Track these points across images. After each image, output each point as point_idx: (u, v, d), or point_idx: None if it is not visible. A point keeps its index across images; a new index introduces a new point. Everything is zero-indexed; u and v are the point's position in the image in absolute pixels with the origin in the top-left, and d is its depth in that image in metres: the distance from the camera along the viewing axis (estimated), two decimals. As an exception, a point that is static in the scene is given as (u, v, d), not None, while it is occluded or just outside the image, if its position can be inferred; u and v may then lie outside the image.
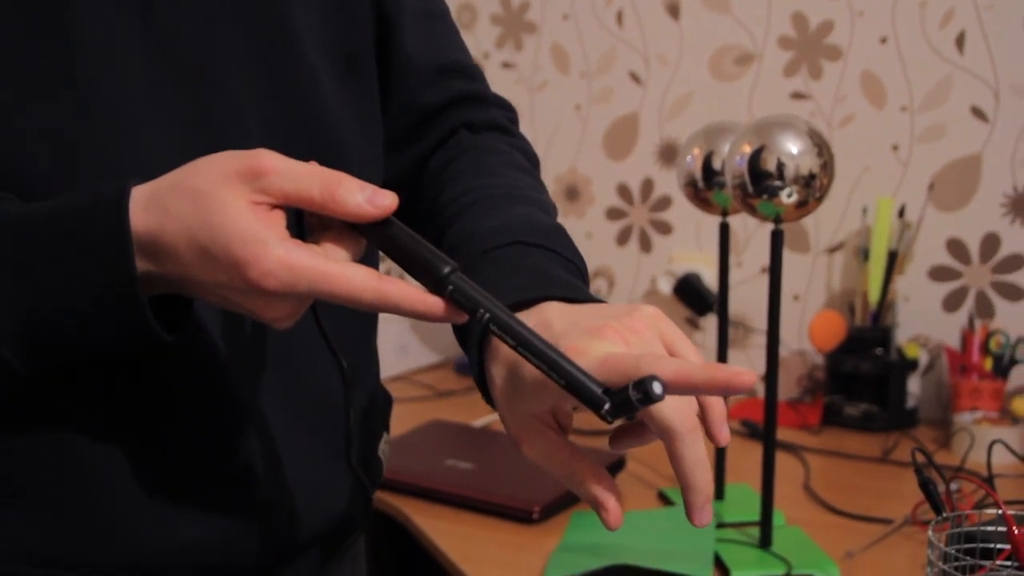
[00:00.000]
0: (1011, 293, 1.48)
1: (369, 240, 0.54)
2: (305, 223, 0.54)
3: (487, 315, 0.52)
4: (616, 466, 1.25)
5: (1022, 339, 1.43)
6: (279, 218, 0.51)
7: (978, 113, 1.48)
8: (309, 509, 0.69)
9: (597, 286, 1.83)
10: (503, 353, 0.55)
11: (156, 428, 0.62)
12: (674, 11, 1.70)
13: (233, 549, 0.65)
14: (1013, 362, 1.41)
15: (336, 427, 0.71)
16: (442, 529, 1.10)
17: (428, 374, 1.82)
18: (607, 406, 0.50)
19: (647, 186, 1.76)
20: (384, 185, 0.56)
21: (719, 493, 1.18)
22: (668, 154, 1.74)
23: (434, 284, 0.53)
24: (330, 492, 0.72)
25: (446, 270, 0.52)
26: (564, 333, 0.54)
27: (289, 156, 0.54)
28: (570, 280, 0.61)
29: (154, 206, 0.51)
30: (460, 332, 0.62)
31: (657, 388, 0.49)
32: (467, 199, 0.71)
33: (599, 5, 1.77)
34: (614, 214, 1.80)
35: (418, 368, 1.86)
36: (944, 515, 0.75)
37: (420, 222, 0.74)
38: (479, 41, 1.86)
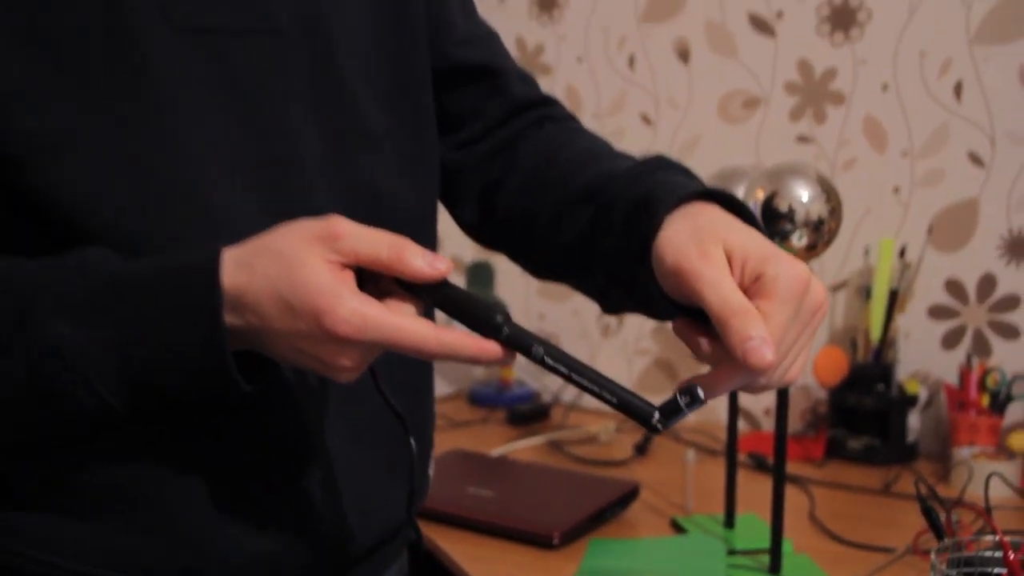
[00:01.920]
0: (1007, 332, 1.54)
1: (425, 298, 0.60)
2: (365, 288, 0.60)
3: (541, 349, 0.58)
4: (630, 496, 1.30)
5: (1018, 377, 1.48)
6: (351, 276, 0.58)
7: (975, 159, 1.55)
8: (365, 526, 0.75)
9: (606, 322, 1.89)
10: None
11: (237, 459, 0.68)
12: (684, 56, 1.78)
13: (297, 563, 0.71)
14: (1009, 399, 1.47)
15: (395, 457, 0.77)
16: (467, 553, 1.15)
17: (443, 404, 1.87)
18: (656, 416, 0.57)
19: (656, 224, 1.82)
20: (469, 170, 0.62)
21: (730, 522, 1.23)
22: (677, 194, 1.80)
23: (489, 331, 0.59)
24: (387, 512, 0.78)
25: (499, 318, 0.59)
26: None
27: (354, 208, 0.60)
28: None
29: (242, 265, 0.57)
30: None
31: (701, 393, 0.56)
32: (596, 150, 0.80)
33: (612, 49, 1.85)
34: (624, 251, 1.86)
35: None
36: (946, 541, 0.80)
37: (534, 181, 0.81)
38: (494, 82, 1.93)
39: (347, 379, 0.60)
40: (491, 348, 0.58)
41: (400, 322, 0.57)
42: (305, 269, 0.56)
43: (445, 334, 0.57)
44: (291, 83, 0.69)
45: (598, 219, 0.73)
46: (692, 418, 1.68)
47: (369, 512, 0.75)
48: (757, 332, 0.56)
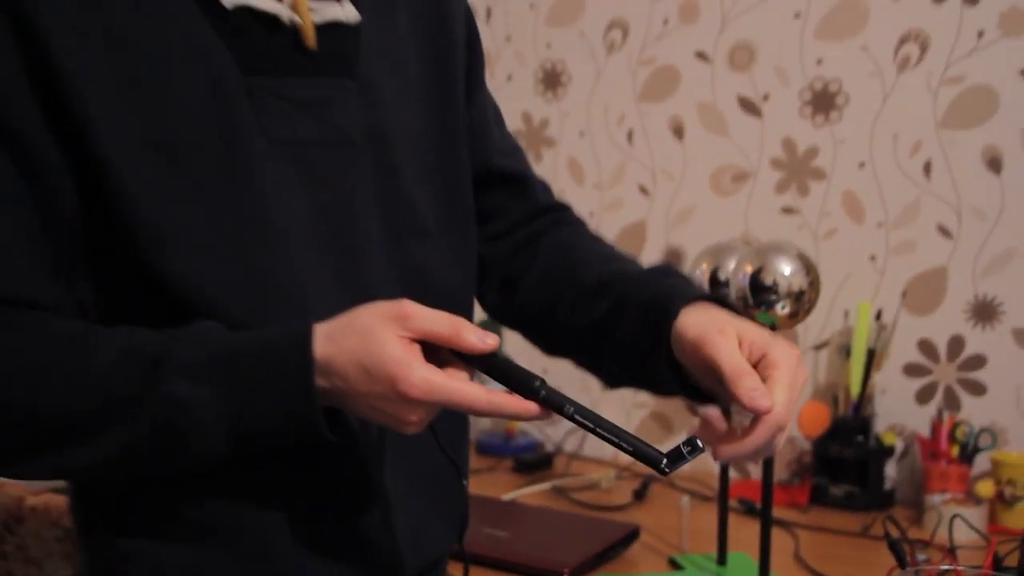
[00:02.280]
0: (975, 389, 1.69)
1: (477, 366, 0.74)
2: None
3: (572, 408, 0.72)
4: (631, 536, 1.43)
5: (984, 430, 1.63)
6: (418, 349, 0.72)
7: (943, 231, 1.70)
8: (414, 554, 0.88)
9: (606, 375, 2.03)
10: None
11: (313, 497, 0.81)
12: (679, 133, 1.94)
13: None
14: (976, 450, 1.61)
15: (447, 491, 0.91)
16: (486, 587, 1.27)
17: (453, 453, 1.99)
18: (664, 462, 0.71)
19: (653, 286, 1.97)
20: (493, 261, 0.82)
21: (722, 560, 1.36)
22: (673, 259, 1.95)
23: (529, 392, 0.73)
24: (433, 543, 0.91)
25: (537, 383, 0.73)
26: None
27: (411, 289, 0.74)
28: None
29: (330, 339, 0.71)
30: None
31: (700, 444, 0.71)
32: (605, 254, 0.98)
33: (612, 124, 2.01)
34: (623, 310, 2.00)
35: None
36: (908, 570, 0.94)
37: (552, 275, 0.96)
38: (503, 153, 2.09)
39: (412, 432, 0.74)
40: (531, 407, 0.72)
41: (459, 386, 0.71)
42: (382, 343, 0.70)
43: (494, 396, 0.72)
44: (360, 184, 0.84)
45: (615, 310, 0.89)
46: (687, 468, 1.81)
47: (418, 542, 0.88)
48: (759, 386, 0.73)
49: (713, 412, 0.82)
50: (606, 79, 2.00)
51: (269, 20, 0.79)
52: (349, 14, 0.83)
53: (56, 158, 0.73)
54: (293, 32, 0.80)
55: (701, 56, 1.90)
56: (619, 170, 2.00)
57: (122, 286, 0.76)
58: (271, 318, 0.76)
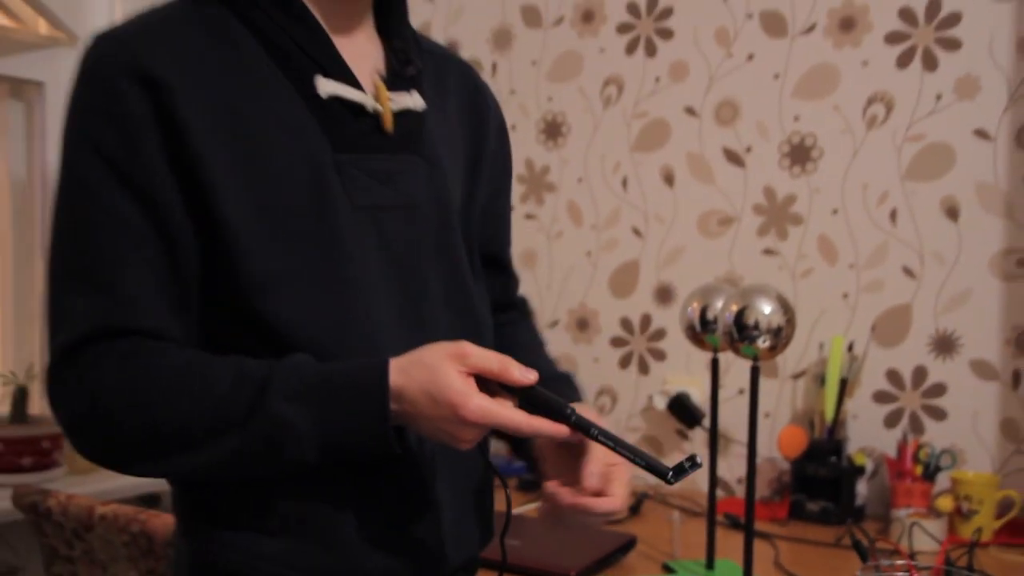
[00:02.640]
0: (936, 414, 1.87)
1: (519, 395, 0.91)
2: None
3: (596, 431, 0.90)
4: (629, 545, 1.60)
5: (945, 451, 1.81)
6: (473, 381, 0.89)
7: (908, 272, 1.89)
8: (455, 552, 1.04)
9: (602, 403, 2.20)
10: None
11: (379, 499, 0.98)
12: (669, 180, 2.12)
13: (412, 572, 1.00)
14: (938, 469, 1.79)
15: (481, 501, 1.08)
16: (504, 586, 1.44)
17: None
18: (670, 474, 0.88)
19: (645, 320, 2.15)
20: None
21: (710, 565, 1.53)
22: (664, 295, 2.13)
23: (562, 418, 0.90)
24: (470, 544, 1.07)
25: (568, 410, 0.90)
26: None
27: (461, 329, 0.92)
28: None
29: (402, 371, 0.88)
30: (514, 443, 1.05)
31: (699, 459, 0.88)
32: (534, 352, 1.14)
33: (608, 171, 2.19)
34: (618, 342, 2.18)
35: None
36: (868, 563, 1.11)
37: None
38: (507, 197, 2.27)
39: (466, 448, 0.90)
40: (563, 429, 0.90)
41: (506, 412, 0.88)
42: (445, 375, 0.87)
43: (534, 420, 0.89)
44: (423, 242, 1.01)
45: None
46: (678, 487, 1.99)
47: (458, 541, 1.05)
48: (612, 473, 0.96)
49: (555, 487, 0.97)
50: (603, 130, 2.19)
51: (356, 108, 0.97)
52: (417, 103, 1.01)
53: (184, 217, 0.90)
54: (374, 117, 0.97)
55: (690, 111, 2.09)
56: (614, 213, 2.19)
57: (225, 322, 0.93)
58: (351, 352, 0.93)
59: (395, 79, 1.01)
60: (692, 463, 0.89)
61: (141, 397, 0.88)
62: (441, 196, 1.03)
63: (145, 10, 0.95)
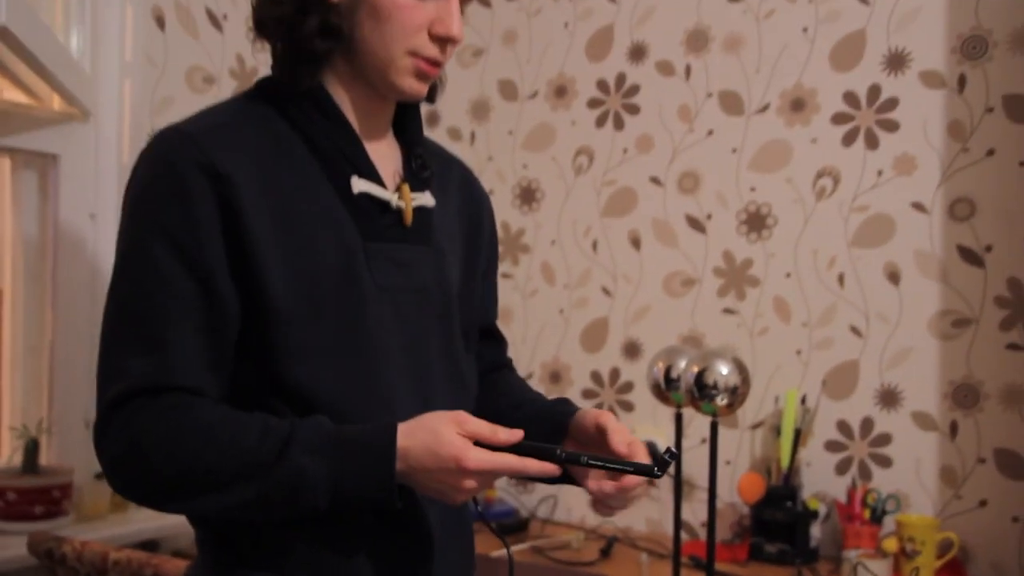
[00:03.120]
0: (883, 462, 2.03)
1: (508, 450, 1.06)
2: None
3: (586, 458, 1.04)
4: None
5: (891, 496, 1.97)
6: (470, 440, 1.03)
7: (855, 331, 2.06)
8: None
9: (574, 450, 2.34)
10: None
11: (383, 546, 1.10)
12: (636, 244, 2.29)
13: None
14: (884, 513, 1.95)
15: (470, 544, 1.22)
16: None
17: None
18: (655, 469, 1.02)
19: (615, 374, 2.30)
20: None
21: (676, 603, 1.67)
22: (631, 350, 2.29)
23: (552, 458, 1.04)
24: (467, 567, 1.21)
25: (557, 450, 1.04)
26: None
27: (454, 396, 1.07)
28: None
29: (408, 434, 1.02)
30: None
31: (674, 450, 1.02)
32: (528, 402, 1.28)
33: (579, 235, 2.35)
34: (588, 394, 2.33)
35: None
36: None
37: (496, 402, 1.28)
38: (485, 257, 2.42)
39: (462, 500, 1.04)
40: (551, 467, 1.04)
41: (502, 458, 1.02)
42: (446, 435, 1.01)
43: (526, 462, 1.03)
44: (430, 320, 1.16)
45: (535, 419, 1.22)
46: (645, 529, 2.13)
47: (458, 567, 1.19)
48: (634, 440, 1.08)
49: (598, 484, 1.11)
50: (574, 196, 2.36)
51: (382, 204, 1.12)
52: (429, 201, 1.17)
53: (231, 291, 1.04)
54: (397, 212, 1.13)
55: (655, 181, 2.27)
56: (585, 274, 2.34)
57: (256, 383, 1.07)
58: (367, 415, 1.07)
59: (413, 180, 1.16)
60: (670, 454, 1.03)
61: (178, 444, 1.01)
62: (444, 282, 1.18)
63: (207, 109, 1.11)
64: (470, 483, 1.02)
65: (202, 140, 1.05)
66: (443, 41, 1.12)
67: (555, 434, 1.19)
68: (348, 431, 1.04)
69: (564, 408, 1.23)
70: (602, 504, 1.12)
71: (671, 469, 1.84)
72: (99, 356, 1.06)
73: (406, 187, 1.15)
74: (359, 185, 1.11)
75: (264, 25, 1.13)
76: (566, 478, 1.19)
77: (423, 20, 1.10)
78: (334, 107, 1.12)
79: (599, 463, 1.05)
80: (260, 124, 1.10)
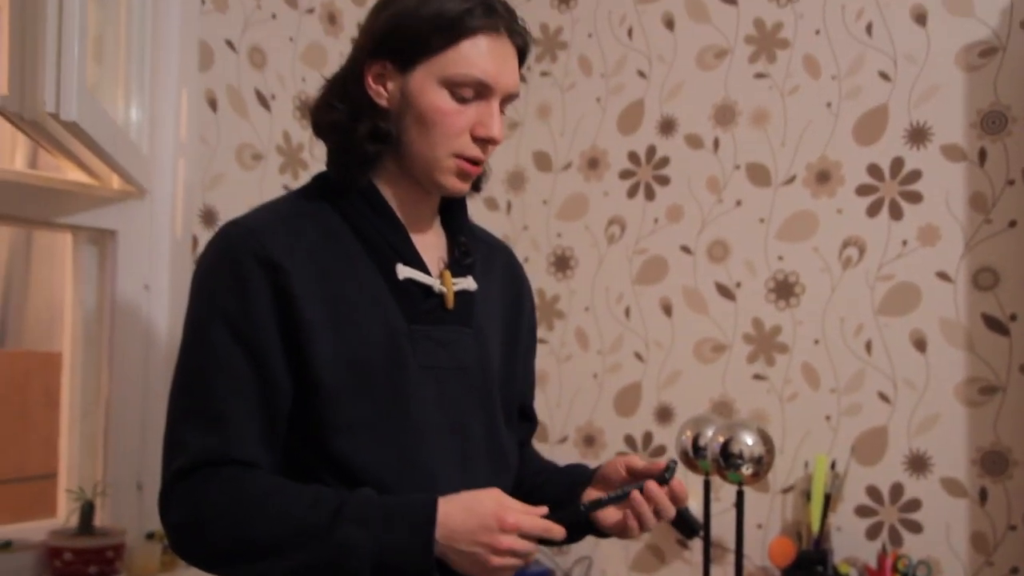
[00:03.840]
0: (913, 527, 2.06)
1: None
2: None
3: (605, 501, 1.11)
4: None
5: (921, 562, 1.99)
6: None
7: (883, 397, 2.10)
8: None
9: (608, 512, 2.39)
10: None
11: None
12: (668, 310, 2.35)
13: None
14: (914, 579, 1.97)
15: None
16: None
17: None
18: (666, 476, 1.10)
19: (647, 437, 2.36)
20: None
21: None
22: (664, 415, 2.34)
23: (578, 514, 1.12)
24: None
25: (581, 507, 1.11)
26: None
27: (494, 471, 1.14)
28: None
29: (448, 501, 1.09)
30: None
31: (676, 461, 1.11)
32: (548, 468, 1.35)
33: (612, 302, 2.42)
34: (622, 457, 2.38)
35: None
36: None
37: (520, 471, 1.35)
38: (521, 323, 2.49)
39: (498, 565, 1.10)
40: (560, 530, 1.10)
41: (536, 519, 1.08)
42: (487, 501, 1.08)
43: (551, 527, 1.09)
44: (470, 396, 1.23)
45: (554, 477, 1.29)
46: (677, 592, 2.16)
47: None
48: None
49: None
50: (607, 265, 2.43)
51: (425, 288, 1.20)
52: (471, 285, 1.25)
53: (284, 372, 1.12)
54: (439, 296, 1.21)
55: (685, 249, 2.33)
56: (618, 340, 2.41)
57: (306, 455, 1.15)
58: (410, 487, 1.14)
59: (456, 266, 1.25)
60: (670, 469, 1.14)
61: (235, 514, 1.09)
62: (484, 361, 1.26)
63: (268, 203, 1.22)
64: (508, 542, 1.08)
65: (260, 234, 1.14)
66: (484, 142, 1.20)
67: (573, 487, 1.26)
68: (392, 502, 1.11)
69: (580, 468, 1.31)
70: (627, 525, 1.18)
71: (702, 533, 1.88)
72: (165, 428, 1.15)
73: (447, 273, 1.23)
74: (404, 272, 1.19)
75: (320, 128, 1.23)
76: (594, 530, 1.25)
77: (465, 124, 1.19)
78: (382, 202, 1.21)
79: (615, 495, 1.13)
80: (314, 218, 1.19)
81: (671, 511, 1.16)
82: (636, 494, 1.15)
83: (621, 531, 1.19)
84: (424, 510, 1.09)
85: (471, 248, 1.28)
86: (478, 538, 1.09)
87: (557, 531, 1.11)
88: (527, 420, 1.44)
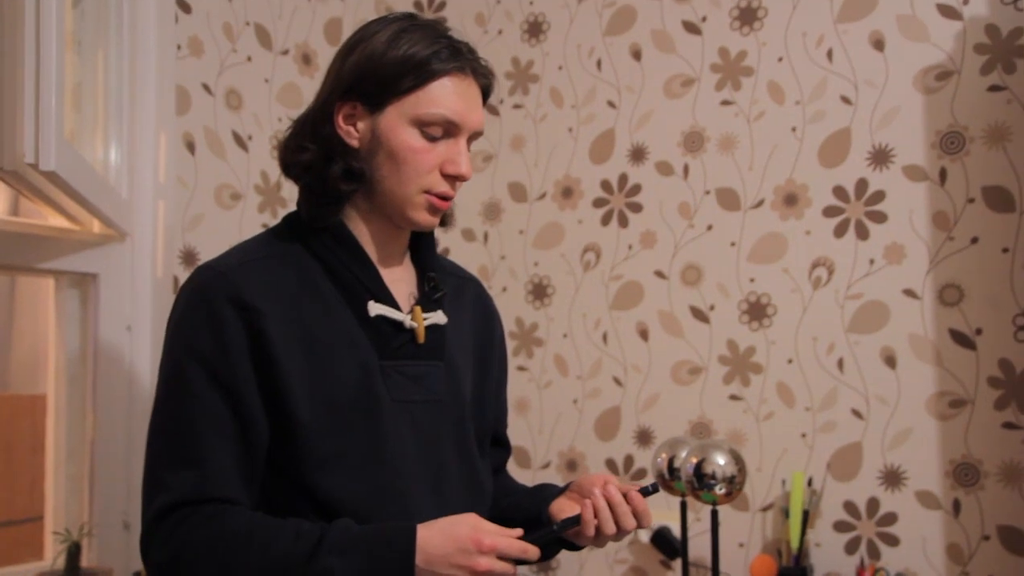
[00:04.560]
0: (890, 540, 2.09)
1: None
2: None
3: (579, 517, 1.14)
4: None
5: (900, 574, 2.02)
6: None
7: (857, 413, 2.14)
8: None
9: (592, 536, 2.41)
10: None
11: None
12: (644, 335, 2.39)
13: None
14: (892, 592, 2.01)
15: None
16: None
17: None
18: (650, 490, 1.13)
19: (628, 460, 2.39)
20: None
21: None
22: (644, 438, 2.37)
23: (552, 533, 1.15)
24: None
25: (555, 526, 1.15)
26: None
27: (471, 499, 1.17)
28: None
29: (426, 526, 1.12)
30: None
31: (659, 486, 1.14)
32: (518, 490, 1.39)
33: (590, 328, 2.46)
34: (604, 481, 2.41)
35: None
36: None
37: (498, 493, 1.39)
38: (501, 351, 2.53)
39: None
40: (536, 550, 1.14)
41: (512, 540, 1.12)
42: (464, 525, 1.12)
43: (527, 548, 1.13)
44: (444, 428, 1.26)
45: (524, 499, 1.33)
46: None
47: None
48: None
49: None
50: (584, 291, 2.47)
51: (396, 324, 1.24)
52: (441, 319, 1.28)
53: (260, 410, 1.16)
54: (410, 331, 1.25)
55: (659, 274, 2.38)
56: (596, 365, 2.45)
57: (284, 490, 1.18)
58: (388, 519, 1.17)
59: (426, 300, 1.29)
60: (654, 488, 1.18)
61: (217, 551, 1.12)
62: (457, 393, 1.29)
63: (240, 245, 1.25)
64: (484, 563, 1.11)
65: (233, 275, 1.18)
66: (453, 179, 1.25)
67: (540, 504, 1.30)
68: (371, 531, 1.14)
69: (548, 487, 1.36)
70: (599, 533, 1.21)
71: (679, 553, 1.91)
72: (144, 469, 1.18)
73: (418, 308, 1.27)
74: (375, 309, 1.23)
75: (291, 168, 1.27)
76: (567, 544, 1.30)
77: (435, 161, 1.24)
78: (353, 240, 1.25)
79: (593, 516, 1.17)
80: (286, 258, 1.23)
81: (629, 521, 1.20)
82: (597, 491, 1.19)
83: (587, 537, 1.22)
84: (403, 536, 1.13)
85: (440, 282, 1.32)
86: (457, 561, 1.12)
87: (533, 552, 1.15)
88: (501, 447, 1.47)
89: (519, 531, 1.15)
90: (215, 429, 1.15)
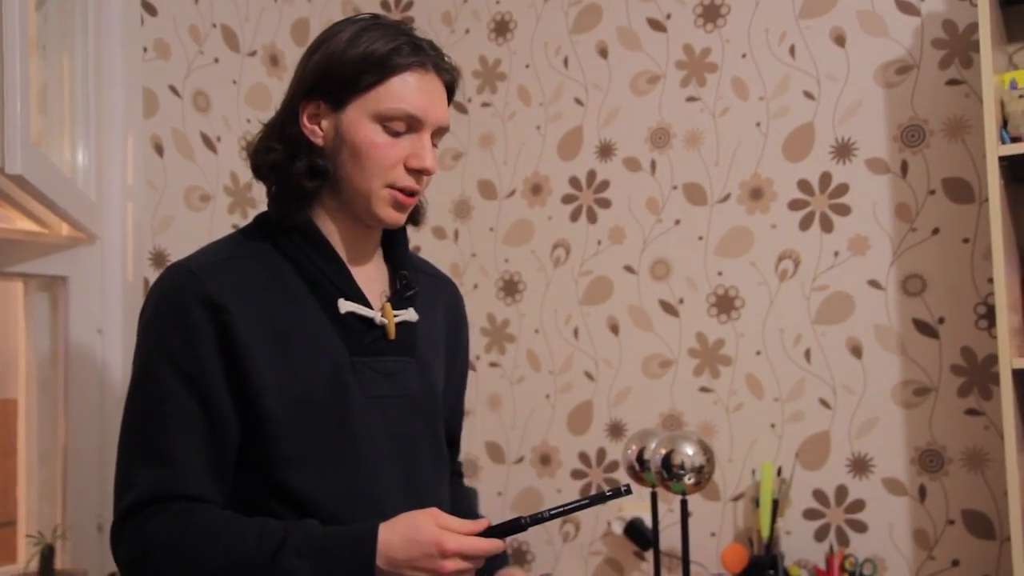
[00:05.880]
0: (858, 527, 2.13)
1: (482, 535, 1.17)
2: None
3: (548, 514, 1.15)
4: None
5: (867, 560, 2.06)
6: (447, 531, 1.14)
7: (824, 403, 2.18)
8: None
9: (566, 530, 2.44)
10: None
11: None
12: (615, 329, 2.41)
13: None
14: (860, 577, 2.04)
15: None
16: None
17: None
18: (623, 491, 1.15)
19: (601, 454, 2.41)
20: None
21: (661, 674, 1.76)
22: (616, 431, 2.40)
23: (519, 527, 1.15)
24: None
25: (522, 520, 1.15)
26: None
27: (443, 493, 1.19)
28: None
29: (389, 528, 1.13)
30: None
31: (631, 487, 1.15)
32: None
33: (561, 323, 2.48)
34: (577, 474, 2.44)
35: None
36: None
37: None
38: (473, 348, 2.54)
39: None
40: (500, 544, 1.15)
41: (472, 540, 1.13)
42: (424, 526, 1.13)
43: (491, 542, 1.14)
44: (417, 423, 1.28)
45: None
46: (635, 604, 2.22)
47: None
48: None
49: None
50: (554, 287, 2.49)
51: (367, 321, 1.25)
52: (412, 316, 1.30)
53: (230, 408, 1.17)
54: (381, 328, 1.26)
55: (629, 269, 2.40)
56: (568, 360, 2.47)
57: (254, 488, 1.19)
58: (359, 516, 1.18)
59: (397, 298, 1.30)
60: (627, 490, 1.17)
61: (183, 549, 1.13)
62: (428, 389, 1.31)
63: (211, 245, 1.26)
64: (450, 565, 1.13)
65: (202, 275, 1.19)
66: (418, 173, 1.26)
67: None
68: (334, 533, 1.15)
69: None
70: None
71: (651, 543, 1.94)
72: (116, 468, 1.19)
73: (388, 305, 1.28)
74: (345, 306, 1.24)
75: (260, 169, 1.28)
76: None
77: (398, 156, 1.25)
78: (321, 238, 1.26)
79: (561, 511, 1.16)
80: (256, 257, 1.24)
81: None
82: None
83: None
84: (365, 539, 1.14)
85: (415, 281, 1.34)
86: (421, 564, 1.13)
87: (497, 547, 1.16)
88: (453, 448, 1.49)
89: (484, 523, 1.17)
90: (185, 427, 1.16)
